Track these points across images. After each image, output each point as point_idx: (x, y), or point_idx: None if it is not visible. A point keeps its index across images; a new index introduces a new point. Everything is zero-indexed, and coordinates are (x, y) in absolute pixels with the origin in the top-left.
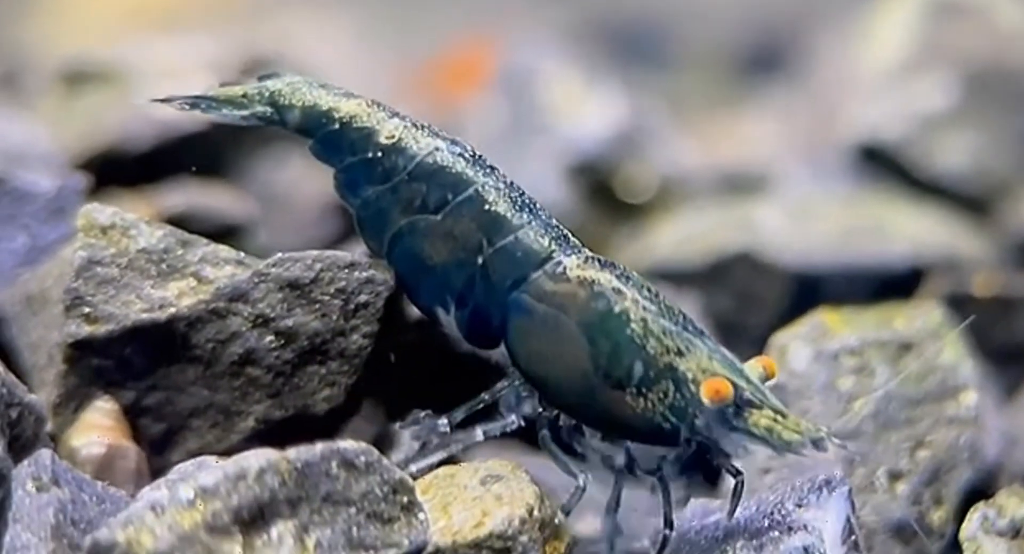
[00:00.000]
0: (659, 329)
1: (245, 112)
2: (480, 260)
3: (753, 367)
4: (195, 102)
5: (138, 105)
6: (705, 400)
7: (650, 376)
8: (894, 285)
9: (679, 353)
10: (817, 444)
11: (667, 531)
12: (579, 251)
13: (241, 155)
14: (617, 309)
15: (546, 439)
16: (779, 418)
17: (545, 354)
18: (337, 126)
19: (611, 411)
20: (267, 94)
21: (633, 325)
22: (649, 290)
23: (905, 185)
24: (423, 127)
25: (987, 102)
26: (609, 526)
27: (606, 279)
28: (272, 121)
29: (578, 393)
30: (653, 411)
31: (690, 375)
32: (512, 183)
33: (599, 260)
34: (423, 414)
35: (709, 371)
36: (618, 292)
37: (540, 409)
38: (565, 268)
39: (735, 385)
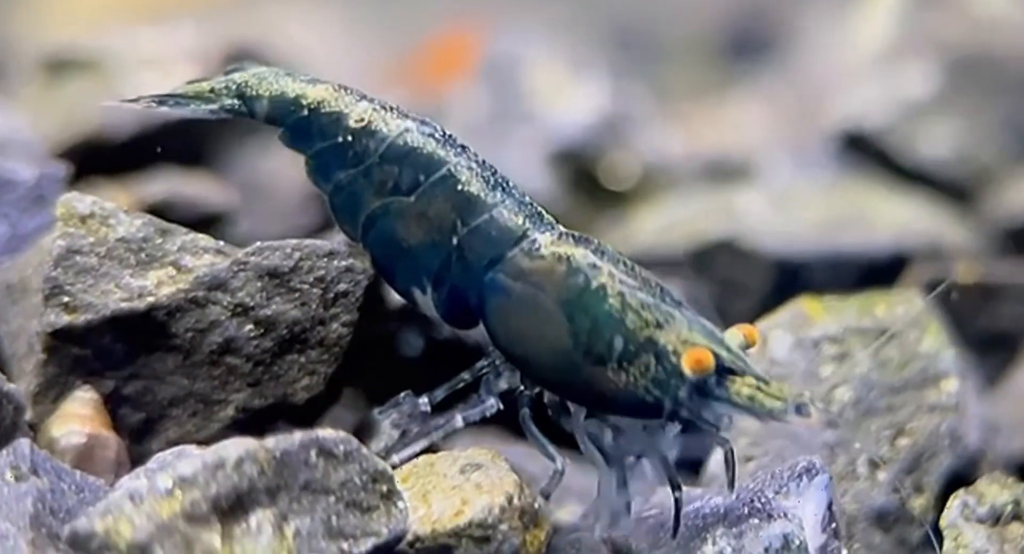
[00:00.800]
0: (637, 303)
1: (214, 106)
2: (455, 240)
3: (734, 335)
4: (163, 100)
5: (115, 99)
6: (687, 371)
7: (631, 350)
8: (877, 273)
9: (658, 325)
10: (800, 409)
11: (677, 494)
12: (553, 228)
13: (223, 144)
14: (594, 284)
15: (526, 419)
16: (761, 385)
17: (524, 332)
18: (306, 112)
19: (593, 386)
20: (234, 87)
21: (611, 300)
22: (625, 264)
23: (888, 172)
24: (392, 109)
25: (970, 89)
26: (617, 503)
27: (581, 254)
28: (241, 113)
29: (559, 370)
30: (635, 384)
31: (671, 347)
32: (484, 162)
33: (573, 236)
34: (403, 395)
35: (689, 342)
36: (594, 267)
37: (521, 387)
38: (540, 245)
39: (716, 355)
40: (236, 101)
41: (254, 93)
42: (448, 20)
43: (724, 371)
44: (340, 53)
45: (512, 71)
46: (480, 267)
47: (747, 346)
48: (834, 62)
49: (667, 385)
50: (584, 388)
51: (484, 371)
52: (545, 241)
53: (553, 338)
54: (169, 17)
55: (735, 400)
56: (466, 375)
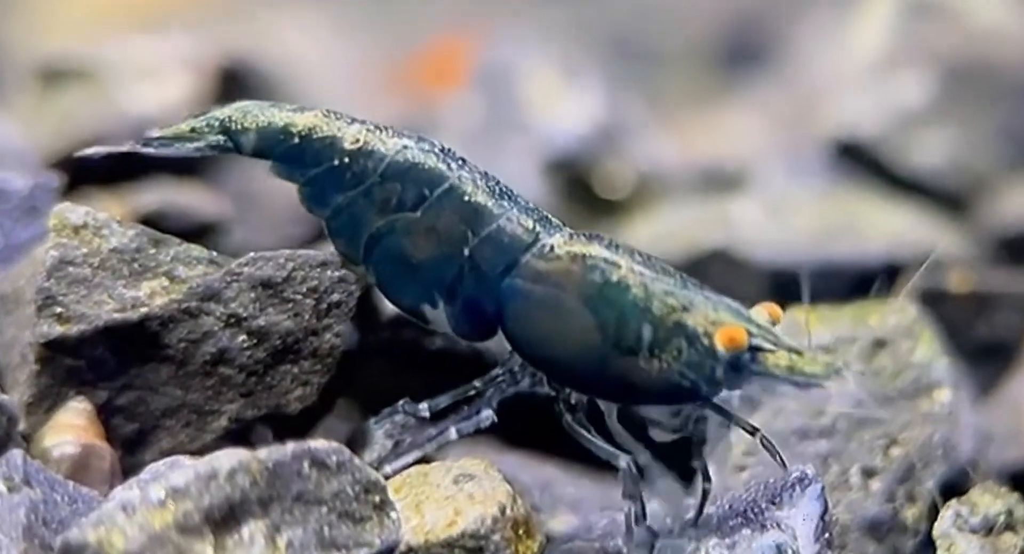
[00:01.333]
0: (660, 290)
1: (199, 144)
2: (467, 251)
3: (759, 313)
4: (147, 142)
5: (111, 105)
6: (721, 349)
7: (660, 337)
8: (870, 282)
9: (685, 309)
10: (838, 373)
11: (707, 485)
12: (561, 230)
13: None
14: (615, 278)
15: (572, 425)
16: (795, 356)
17: (549, 335)
18: (297, 140)
19: (627, 379)
20: (216, 123)
21: (634, 290)
22: (640, 254)
23: (882, 181)
24: (385, 128)
25: (964, 99)
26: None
27: (596, 251)
28: (226, 149)
29: (589, 367)
30: (670, 370)
31: (701, 329)
32: (486, 173)
33: (584, 234)
34: (402, 402)
35: (718, 322)
36: (611, 261)
37: (553, 392)
38: (553, 247)
39: (747, 331)
40: (221, 137)
41: (239, 127)
42: (442, 28)
43: (756, 346)
44: (334, 61)
45: (506, 79)
46: (495, 275)
47: (772, 323)
48: (829, 71)
49: (702, 366)
50: (616, 382)
51: (500, 379)
52: (558, 242)
53: (580, 336)
54: (163, 25)
55: (774, 372)
56: (478, 383)
